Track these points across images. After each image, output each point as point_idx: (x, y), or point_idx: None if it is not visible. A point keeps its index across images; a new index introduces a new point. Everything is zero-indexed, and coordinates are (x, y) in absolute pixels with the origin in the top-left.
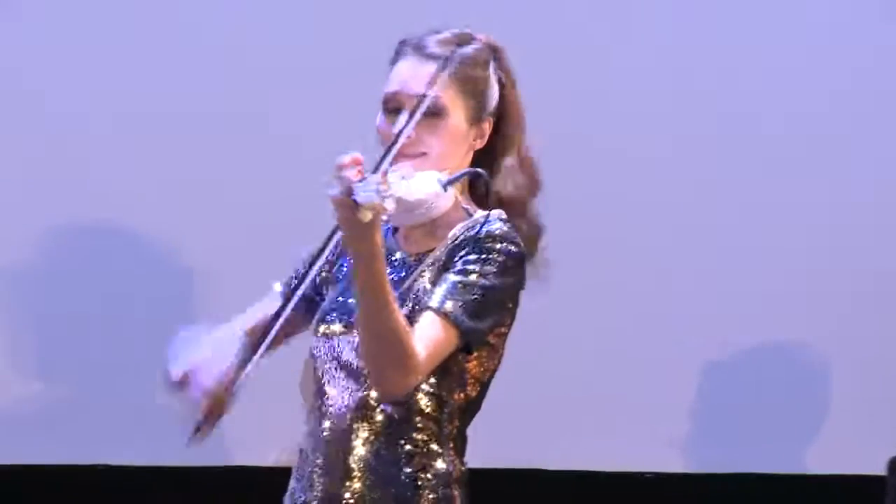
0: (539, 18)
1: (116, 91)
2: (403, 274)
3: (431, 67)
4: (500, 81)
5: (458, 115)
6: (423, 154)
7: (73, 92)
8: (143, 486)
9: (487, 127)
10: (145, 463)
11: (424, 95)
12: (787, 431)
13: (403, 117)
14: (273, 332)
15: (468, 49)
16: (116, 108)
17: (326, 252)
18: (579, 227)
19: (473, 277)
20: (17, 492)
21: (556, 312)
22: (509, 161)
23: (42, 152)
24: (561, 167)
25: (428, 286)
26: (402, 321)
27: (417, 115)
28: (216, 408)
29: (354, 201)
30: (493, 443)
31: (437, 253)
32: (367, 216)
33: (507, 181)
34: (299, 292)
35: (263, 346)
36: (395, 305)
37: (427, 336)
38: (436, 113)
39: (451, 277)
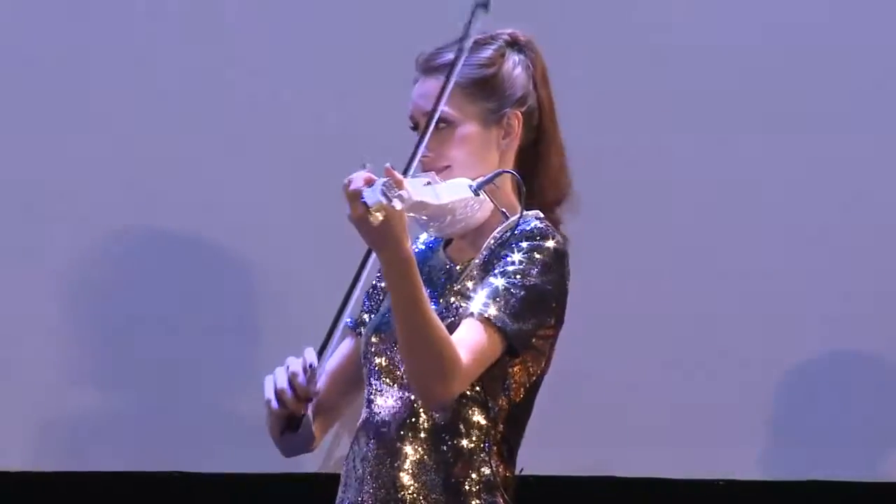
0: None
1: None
2: (450, 285)
3: (434, 83)
4: (529, 73)
5: (469, 120)
6: (448, 167)
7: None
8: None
9: (515, 120)
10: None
11: (432, 111)
12: (867, 438)
13: (419, 138)
14: (335, 340)
15: (478, 53)
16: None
17: (364, 272)
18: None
19: (513, 279)
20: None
21: (624, 315)
22: (553, 157)
23: (90, 153)
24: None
25: (470, 294)
26: (442, 328)
27: (427, 136)
28: (299, 401)
29: (364, 205)
30: (562, 449)
31: (477, 260)
32: (378, 218)
33: (550, 178)
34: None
35: (330, 349)
36: (433, 313)
37: (470, 341)
38: (444, 125)
39: (491, 281)
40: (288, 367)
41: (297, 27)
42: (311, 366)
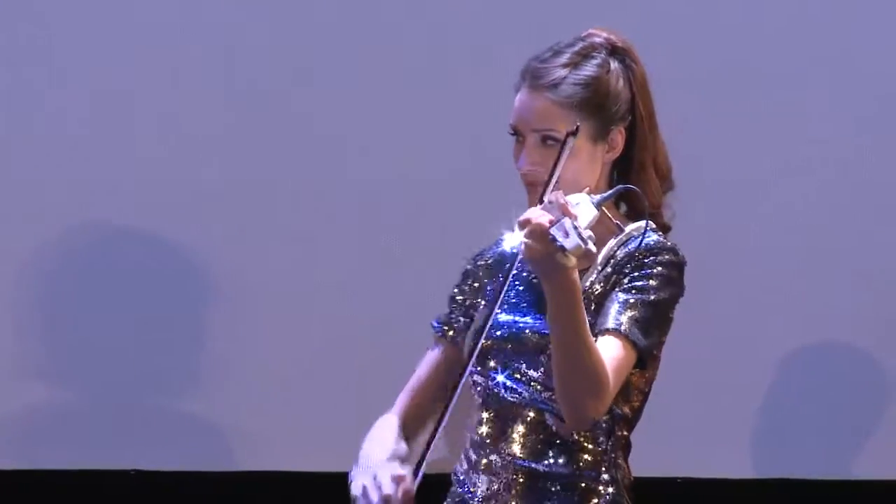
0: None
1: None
2: None
3: (543, 99)
4: (629, 83)
5: (580, 137)
6: (555, 184)
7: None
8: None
9: (619, 136)
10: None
11: (564, 142)
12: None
13: (525, 152)
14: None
15: (585, 68)
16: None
17: (500, 301)
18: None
19: (642, 295)
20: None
21: None
22: (648, 166)
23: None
24: None
25: (592, 306)
26: (598, 350)
27: (560, 167)
28: None
29: (563, 248)
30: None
31: (594, 275)
32: (573, 261)
33: (650, 187)
34: (473, 359)
35: (492, 314)
36: (590, 335)
37: (612, 359)
38: (553, 142)
39: (622, 297)
40: (379, 485)
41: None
42: (406, 492)
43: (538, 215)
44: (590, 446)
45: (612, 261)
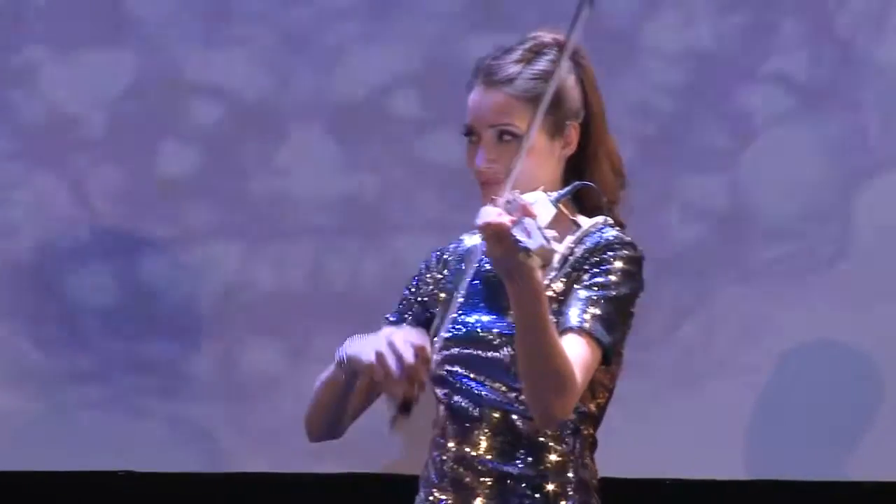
0: None
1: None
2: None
3: (500, 95)
4: (580, 80)
5: (538, 133)
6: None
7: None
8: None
9: (573, 132)
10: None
11: (525, 136)
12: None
13: (483, 150)
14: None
15: (538, 63)
16: None
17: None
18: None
19: (604, 291)
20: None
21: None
22: (604, 160)
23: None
24: None
25: (553, 305)
26: (563, 349)
27: (521, 159)
28: (415, 382)
29: (527, 249)
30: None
31: (553, 273)
32: (539, 262)
33: (605, 183)
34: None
35: (451, 312)
36: (556, 336)
37: (577, 357)
38: (510, 137)
39: (583, 294)
40: (397, 349)
41: None
42: (423, 352)
43: (496, 216)
44: (557, 447)
45: (570, 258)
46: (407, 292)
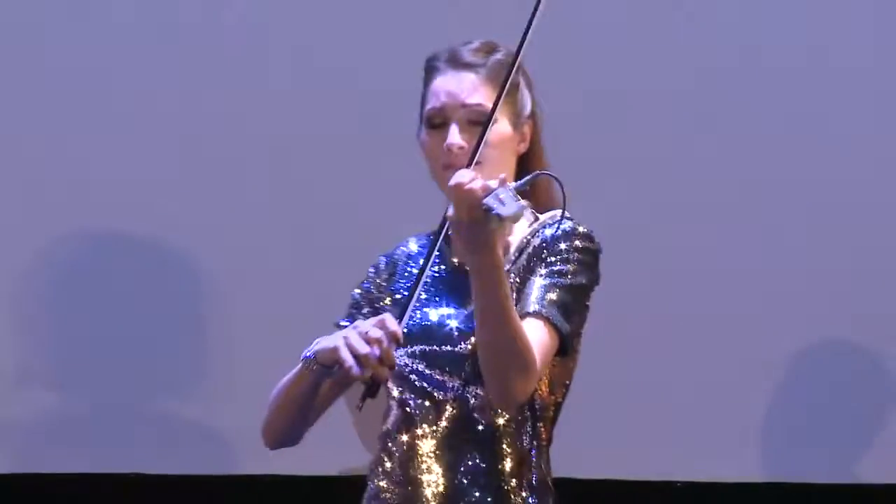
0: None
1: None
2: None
3: (471, 76)
4: (528, 86)
5: (502, 120)
6: (479, 164)
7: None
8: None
9: (528, 129)
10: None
11: (491, 109)
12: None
13: (455, 129)
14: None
15: (497, 55)
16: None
17: (415, 296)
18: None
19: (561, 279)
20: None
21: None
22: (541, 165)
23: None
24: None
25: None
26: (524, 329)
27: (486, 135)
28: (385, 363)
29: (498, 215)
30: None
31: (509, 265)
32: (507, 229)
33: (541, 184)
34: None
35: (409, 308)
36: (517, 315)
37: (536, 340)
38: (480, 124)
39: (540, 281)
40: (364, 331)
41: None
42: (393, 333)
43: (470, 178)
44: (513, 446)
45: (526, 250)
46: (357, 295)
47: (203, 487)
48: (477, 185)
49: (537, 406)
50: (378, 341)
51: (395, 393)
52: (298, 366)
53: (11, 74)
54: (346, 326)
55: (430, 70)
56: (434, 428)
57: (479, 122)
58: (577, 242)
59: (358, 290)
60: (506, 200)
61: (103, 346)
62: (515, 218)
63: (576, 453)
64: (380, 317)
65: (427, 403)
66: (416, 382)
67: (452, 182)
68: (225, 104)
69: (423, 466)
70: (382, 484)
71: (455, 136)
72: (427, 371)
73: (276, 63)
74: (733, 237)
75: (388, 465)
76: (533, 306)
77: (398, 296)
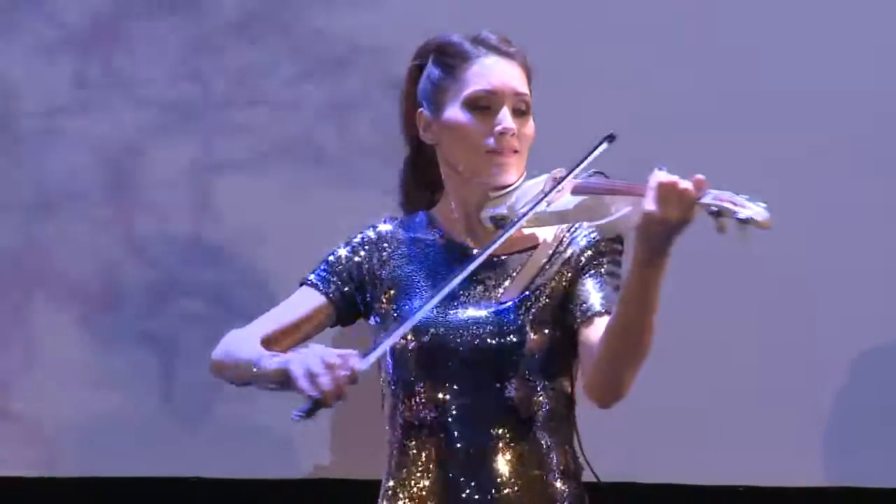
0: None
1: None
2: (494, 271)
3: (516, 65)
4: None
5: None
6: (517, 153)
7: None
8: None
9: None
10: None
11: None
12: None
13: (509, 114)
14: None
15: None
16: None
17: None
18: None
19: (613, 278)
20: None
21: None
22: None
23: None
24: None
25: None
26: None
27: (596, 151)
28: (342, 387)
29: (740, 220)
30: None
31: (553, 260)
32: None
33: None
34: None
35: (402, 329)
36: None
37: None
38: (525, 111)
39: (597, 282)
40: (330, 363)
41: None
42: (355, 372)
43: (685, 182)
44: (550, 437)
45: (563, 243)
46: (334, 259)
47: (263, 490)
48: (689, 185)
49: (568, 395)
50: (344, 380)
51: (424, 387)
52: (271, 367)
53: None
54: (315, 285)
55: (460, 54)
56: (474, 422)
57: (521, 111)
58: (615, 245)
59: (336, 257)
60: (735, 202)
61: (165, 349)
62: (767, 223)
63: (641, 458)
64: (344, 353)
65: (460, 400)
66: (447, 377)
67: (665, 180)
68: None
69: (466, 460)
70: (410, 481)
71: (510, 120)
72: (457, 367)
73: None
74: (781, 239)
75: (419, 462)
76: (601, 306)
77: (409, 287)
